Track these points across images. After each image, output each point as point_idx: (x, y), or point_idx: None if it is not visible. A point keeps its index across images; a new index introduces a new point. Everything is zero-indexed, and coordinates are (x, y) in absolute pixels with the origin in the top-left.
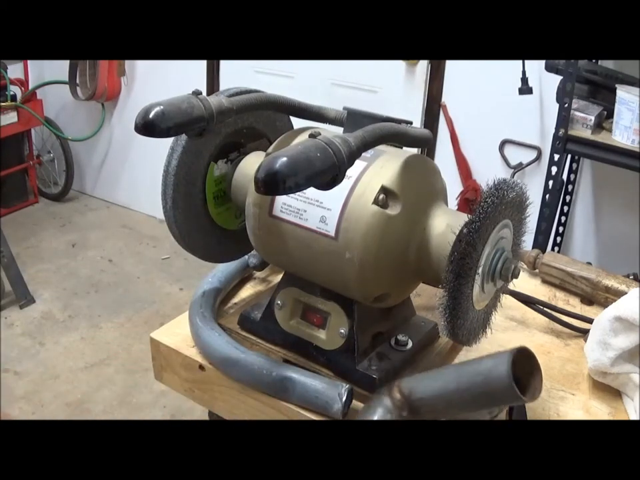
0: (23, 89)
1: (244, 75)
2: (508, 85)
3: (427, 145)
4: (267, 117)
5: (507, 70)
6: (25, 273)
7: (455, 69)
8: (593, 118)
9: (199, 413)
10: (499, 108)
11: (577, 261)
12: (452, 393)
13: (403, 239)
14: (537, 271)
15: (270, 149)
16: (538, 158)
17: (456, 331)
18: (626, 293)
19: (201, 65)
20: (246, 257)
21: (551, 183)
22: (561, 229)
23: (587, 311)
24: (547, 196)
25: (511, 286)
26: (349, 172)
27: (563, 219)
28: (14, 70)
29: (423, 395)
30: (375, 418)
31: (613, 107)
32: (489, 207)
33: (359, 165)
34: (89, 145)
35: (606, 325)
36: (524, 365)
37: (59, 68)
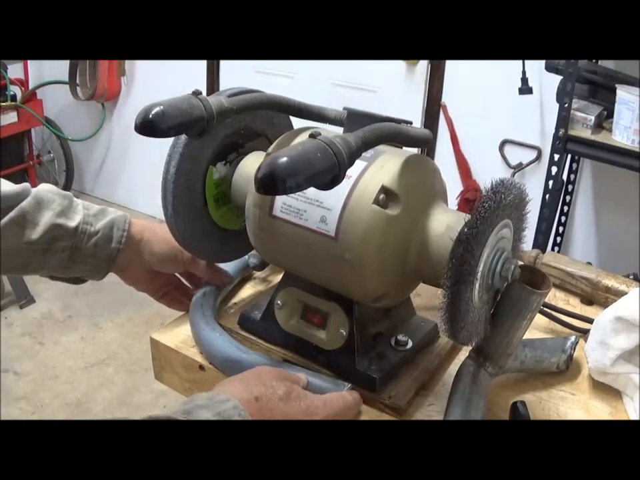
0: (22, 89)
1: (244, 75)
2: (508, 85)
3: (427, 145)
4: (265, 116)
5: (507, 70)
6: None
7: (454, 68)
8: (593, 118)
9: None
10: (499, 108)
11: (577, 261)
12: (502, 326)
13: (402, 239)
14: None
15: (270, 149)
16: (538, 158)
17: (456, 332)
18: (626, 293)
19: (201, 65)
20: (246, 256)
21: (551, 183)
22: (561, 229)
23: (587, 310)
24: (547, 196)
25: None
26: (349, 172)
27: (563, 218)
28: (14, 70)
29: (488, 339)
30: (468, 380)
31: (613, 107)
32: (486, 212)
33: (359, 164)
34: (88, 145)
35: (606, 325)
36: (533, 279)
37: (58, 68)
